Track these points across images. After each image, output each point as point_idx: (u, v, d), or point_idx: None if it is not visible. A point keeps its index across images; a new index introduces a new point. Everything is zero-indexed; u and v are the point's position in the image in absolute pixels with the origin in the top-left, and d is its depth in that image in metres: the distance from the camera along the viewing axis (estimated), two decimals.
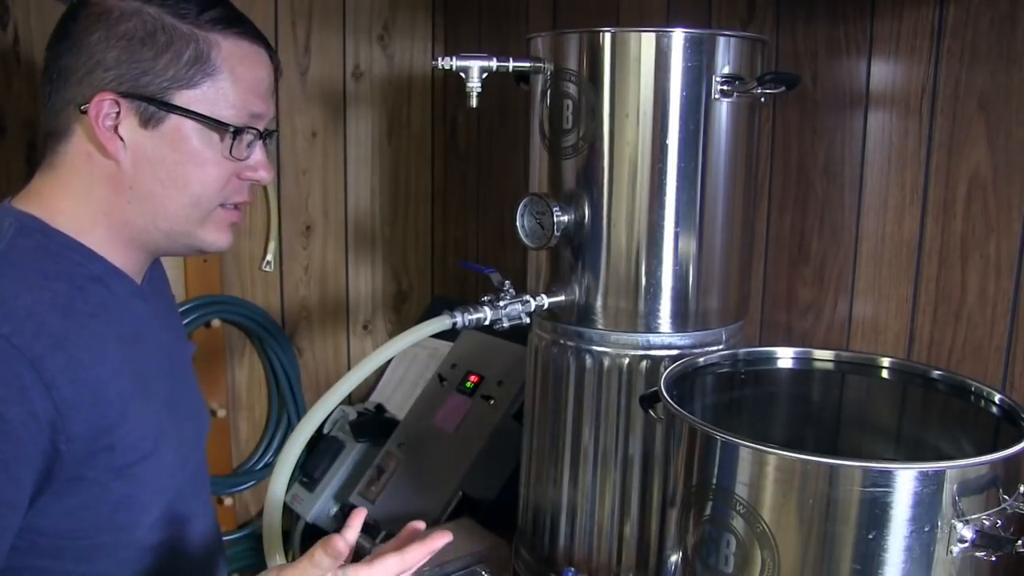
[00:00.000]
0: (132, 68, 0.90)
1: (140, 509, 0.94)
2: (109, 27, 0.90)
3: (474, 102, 1.06)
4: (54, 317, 0.86)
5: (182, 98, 0.92)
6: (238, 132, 0.95)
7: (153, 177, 0.93)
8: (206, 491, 1.10)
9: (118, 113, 0.91)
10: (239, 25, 0.95)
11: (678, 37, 1.04)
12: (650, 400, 0.98)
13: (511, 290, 1.13)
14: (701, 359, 1.05)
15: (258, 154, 0.99)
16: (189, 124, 0.93)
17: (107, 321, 0.92)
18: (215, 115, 0.93)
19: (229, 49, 0.93)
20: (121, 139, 0.91)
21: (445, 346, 1.75)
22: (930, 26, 1.15)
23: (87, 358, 0.87)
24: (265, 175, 1.00)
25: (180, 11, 0.91)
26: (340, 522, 1.66)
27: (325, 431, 1.79)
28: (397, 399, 1.84)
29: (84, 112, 0.90)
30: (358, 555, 1.35)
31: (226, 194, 0.97)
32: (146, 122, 0.92)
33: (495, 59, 1.07)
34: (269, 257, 1.81)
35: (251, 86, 0.95)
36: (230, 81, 0.94)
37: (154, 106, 0.91)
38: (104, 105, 0.90)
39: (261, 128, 0.98)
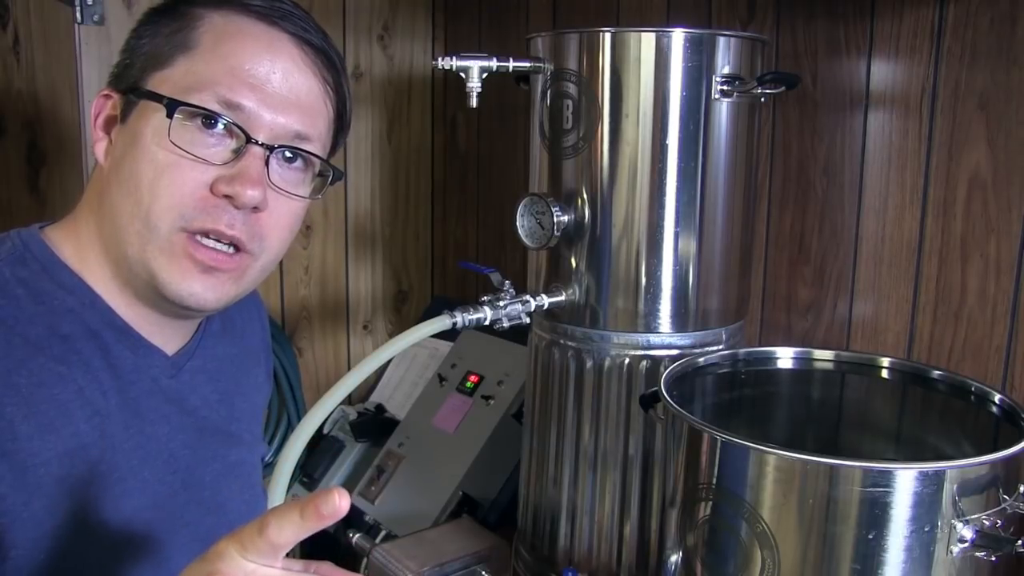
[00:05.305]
0: (124, 56, 0.80)
1: None
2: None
3: (474, 102, 1.06)
4: None
5: (153, 80, 0.76)
6: (174, 107, 0.74)
7: (117, 182, 0.76)
8: None
9: (113, 110, 0.79)
10: None
11: (678, 37, 1.04)
12: (650, 400, 0.98)
13: (511, 290, 1.12)
14: (701, 359, 1.05)
15: (245, 162, 0.76)
16: (149, 108, 0.75)
17: (78, 388, 0.74)
18: (174, 95, 0.74)
19: (217, 22, 0.77)
20: (111, 141, 0.79)
21: (445, 346, 1.75)
22: (930, 26, 1.15)
23: (24, 428, 0.70)
24: (243, 190, 0.75)
25: None
26: (340, 521, 1.67)
27: (325, 431, 1.79)
28: (397, 399, 1.83)
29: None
30: (357, 556, 1.35)
31: (187, 210, 0.75)
32: (124, 115, 0.78)
33: (495, 59, 1.07)
34: None
35: (233, 67, 0.75)
36: (205, 59, 0.75)
37: (131, 94, 0.77)
38: (99, 103, 0.80)
39: (259, 128, 0.77)
